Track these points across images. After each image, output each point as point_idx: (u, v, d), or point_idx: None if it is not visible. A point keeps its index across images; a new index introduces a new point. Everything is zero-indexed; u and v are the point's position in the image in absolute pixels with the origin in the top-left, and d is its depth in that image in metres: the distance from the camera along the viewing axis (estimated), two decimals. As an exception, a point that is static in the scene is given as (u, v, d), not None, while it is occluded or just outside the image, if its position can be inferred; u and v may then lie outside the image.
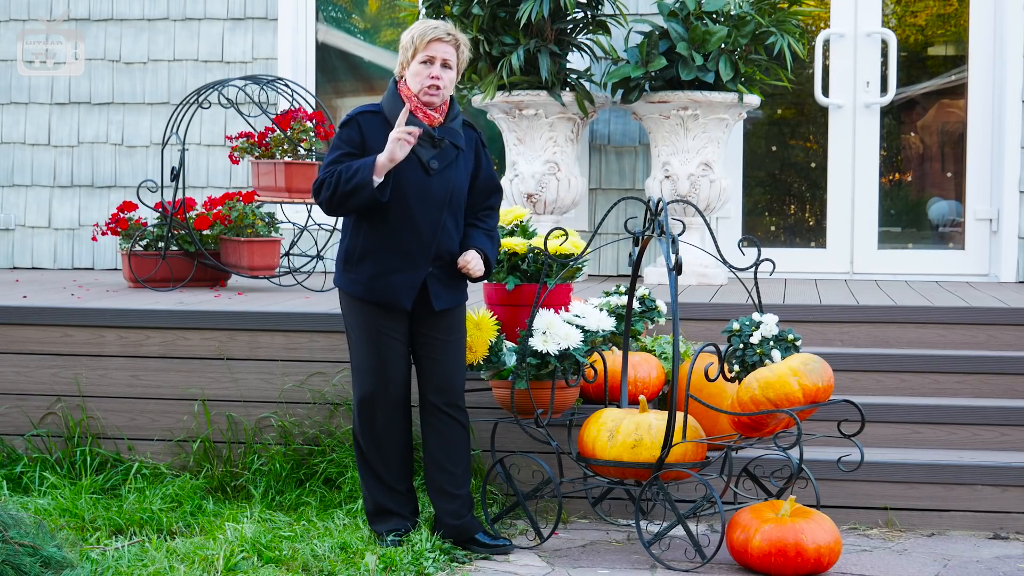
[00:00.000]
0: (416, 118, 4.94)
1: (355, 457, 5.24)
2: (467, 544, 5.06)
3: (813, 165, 8.87)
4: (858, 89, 8.57)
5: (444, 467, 5.07)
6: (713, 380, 5.04)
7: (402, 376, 5.07)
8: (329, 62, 9.19)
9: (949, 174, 8.84)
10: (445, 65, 4.96)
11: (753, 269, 5.23)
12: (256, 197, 7.43)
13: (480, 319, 5.23)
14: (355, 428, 5.13)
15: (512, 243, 5.44)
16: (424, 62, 4.94)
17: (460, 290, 5.10)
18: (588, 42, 7.88)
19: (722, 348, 5.12)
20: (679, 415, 4.95)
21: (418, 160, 4.93)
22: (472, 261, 5.00)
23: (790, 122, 8.99)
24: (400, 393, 5.08)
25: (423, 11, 7.90)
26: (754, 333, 5.09)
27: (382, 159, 4.84)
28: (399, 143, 4.82)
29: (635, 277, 5.36)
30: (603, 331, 5.36)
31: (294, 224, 7.88)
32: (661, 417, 5.02)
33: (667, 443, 4.88)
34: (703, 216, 5.41)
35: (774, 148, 8.98)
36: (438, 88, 4.94)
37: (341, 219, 5.25)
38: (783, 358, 5.02)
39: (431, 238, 4.96)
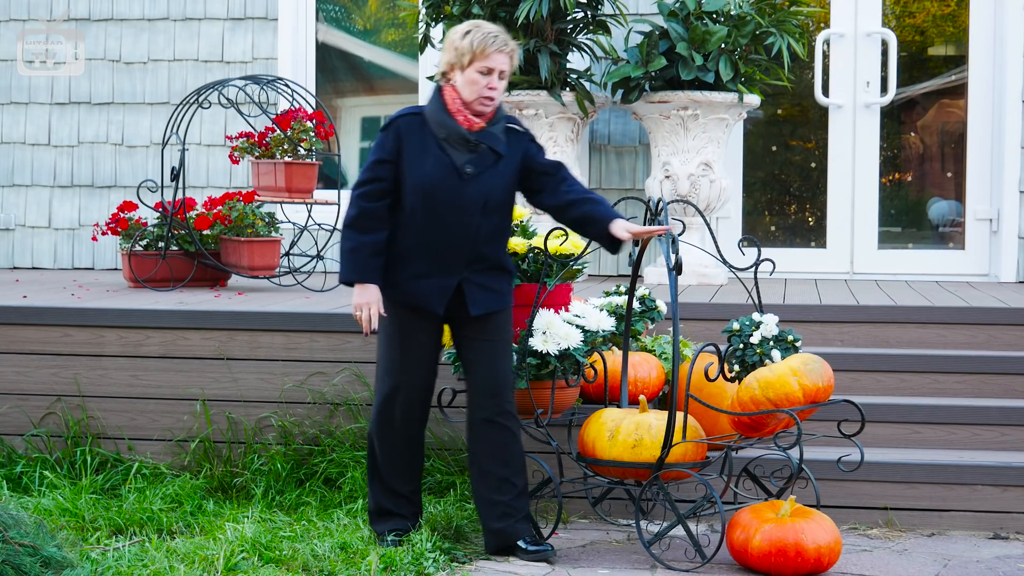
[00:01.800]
0: (454, 121, 4.88)
1: (366, 455, 5.22)
2: (512, 551, 5.00)
3: (813, 165, 8.87)
4: (858, 89, 8.57)
5: (489, 474, 5.01)
6: (713, 380, 5.04)
7: (425, 380, 5.03)
8: (329, 62, 9.19)
9: (949, 174, 8.85)
10: (501, 76, 4.92)
11: (753, 269, 5.23)
12: (256, 197, 7.43)
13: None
14: (371, 425, 5.10)
15: (512, 243, 5.43)
16: (482, 72, 4.88)
17: (501, 294, 5.01)
18: (588, 42, 7.88)
19: (722, 348, 5.12)
20: (679, 415, 4.95)
21: (452, 164, 4.88)
22: (637, 230, 4.90)
23: (790, 122, 8.99)
24: (421, 397, 5.04)
25: (423, 11, 7.90)
26: (754, 333, 5.09)
27: (355, 296, 4.90)
28: (358, 319, 4.90)
29: (635, 277, 5.36)
30: (603, 331, 5.36)
31: (294, 224, 7.88)
32: (661, 417, 5.02)
33: (667, 443, 4.88)
34: (703, 216, 5.41)
35: (774, 148, 8.98)
36: (493, 99, 4.89)
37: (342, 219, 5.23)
38: (783, 358, 5.02)
39: (464, 243, 4.91)
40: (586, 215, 4.98)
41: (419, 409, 5.06)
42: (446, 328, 5.15)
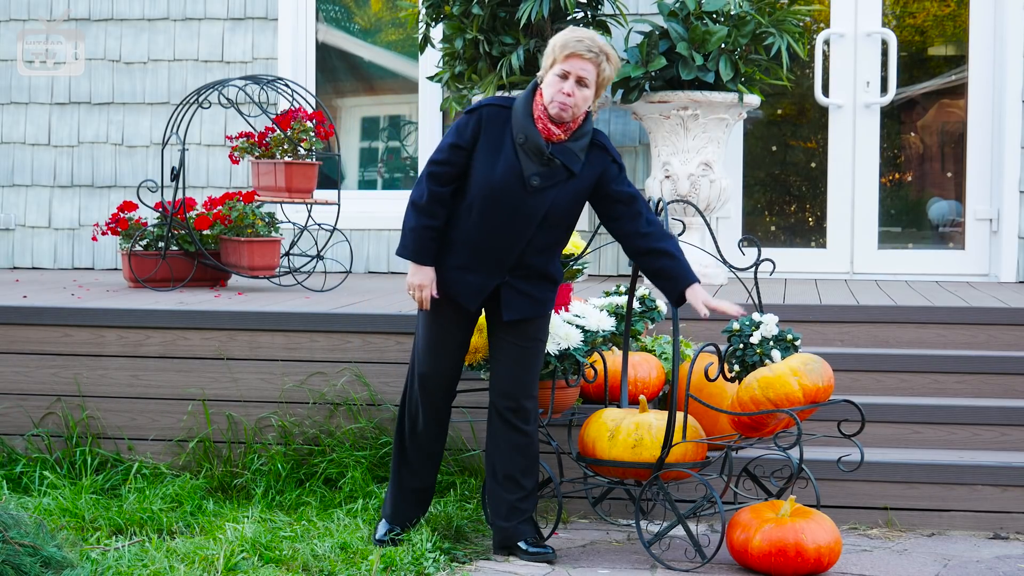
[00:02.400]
0: (535, 128, 4.79)
1: (392, 449, 5.19)
2: (513, 551, 5.00)
3: (813, 165, 8.87)
4: (858, 89, 8.57)
5: (499, 471, 5.02)
6: (713, 380, 5.04)
7: (446, 368, 5.00)
8: (329, 62, 9.19)
9: (949, 174, 8.85)
10: (580, 82, 4.77)
11: (753, 269, 5.23)
12: (256, 197, 7.43)
13: (480, 320, 5.22)
14: (398, 417, 5.11)
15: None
16: (560, 75, 4.78)
17: (540, 301, 4.95)
18: (588, 42, 7.87)
19: (722, 348, 5.12)
20: (679, 415, 4.95)
21: (520, 173, 4.80)
22: (716, 307, 4.90)
23: (790, 122, 8.99)
24: (439, 384, 5.00)
25: (423, 11, 7.91)
26: (754, 333, 5.09)
27: (410, 275, 4.88)
28: (413, 297, 4.89)
29: (635, 277, 5.36)
30: (603, 331, 5.36)
31: (294, 224, 7.88)
32: (661, 417, 5.02)
33: (667, 443, 4.88)
34: (703, 216, 5.41)
35: (774, 148, 8.98)
36: (567, 106, 4.76)
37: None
38: (783, 358, 5.02)
39: (511, 251, 4.86)
40: (665, 270, 4.90)
41: (439, 398, 5.03)
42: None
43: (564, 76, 4.77)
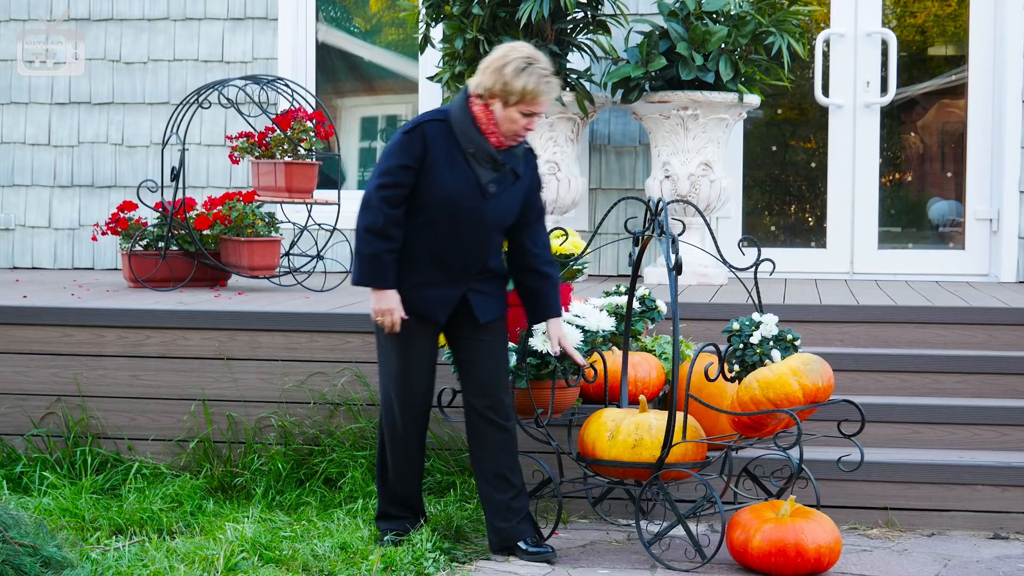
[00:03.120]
0: (484, 139, 4.85)
1: (375, 456, 5.22)
2: (512, 551, 5.01)
3: (813, 165, 8.87)
4: (858, 89, 8.57)
5: (488, 472, 5.03)
6: (713, 380, 5.04)
7: (425, 385, 5.03)
8: (329, 62, 9.19)
9: (949, 174, 8.85)
10: (540, 114, 4.91)
11: (753, 269, 5.23)
12: (256, 197, 7.43)
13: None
14: (380, 429, 5.12)
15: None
16: (525, 114, 4.83)
17: (502, 299, 5.05)
18: (588, 42, 7.88)
19: (722, 348, 5.12)
20: (679, 415, 4.95)
21: (476, 182, 4.86)
22: (567, 348, 5.09)
23: (790, 122, 8.99)
24: (421, 401, 5.04)
25: (423, 11, 7.90)
26: (754, 333, 5.09)
27: (376, 302, 4.87)
28: (382, 324, 4.90)
29: (635, 277, 5.36)
30: (603, 331, 5.36)
31: (294, 224, 7.88)
32: (661, 417, 5.02)
33: (667, 443, 4.88)
34: (703, 216, 5.41)
35: (774, 148, 8.98)
36: (523, 139, 4.91)
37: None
38: (783, 358, 5.02)
39: (476, 258, 4.92)
40: (541, 293, 5.05)
41: (421, 415, 5.06)
42: None
43: (531, 115, 4.86)
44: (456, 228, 4.87)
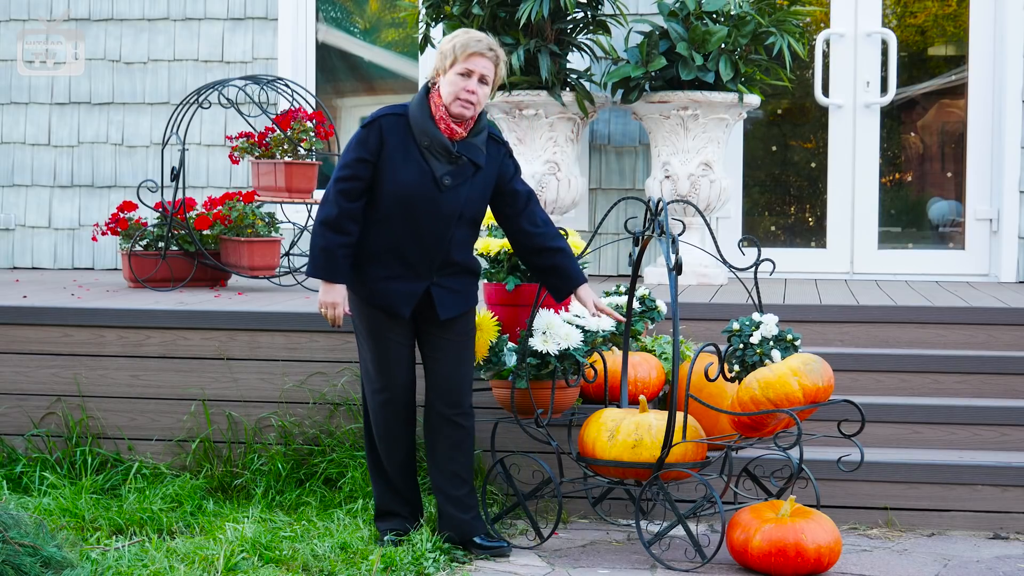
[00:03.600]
0: (437, 129, 4.89)
1: (364, 456, 5.25)
2: (467, 545, 5.07)
3: (813, 165, 8.87)
4: (858, 89, 8.57)
5: (444, 468, 5.08)
6: (713, 380, 5.04)
7: (407, 379, 5.06)
8: (329, 62, 9.19)
9: (949, 174, 8.85)
10: (482, 80, 4.90)
11: (753, 269, 5.23)
12: (256, 197, 7.43)
13: (481, 319, 5.23)
14: (364, 428, 5.16)
15: (509, 243, 5.43)
16: (462, 74, 4.87)
17: (468, 295, 5.06)
18: (588, 42, 7.88)
19: (722, 348, 5.12)
20: (679, 415, 4.95)
21: (431, 174, 4.89)
22: (603, 307, 5.15)
23: (790, 122, 8.99)
24: (405, 396, 5.07)
25: (423, 11, 7.91)
26: (754, 333, 5.09)
27: (322, 294, 4.94)
28: (325, 316, 4.96)
29: (635, 277, 5.36)
30: (603, 331, 5.36)
31: (294, 224, 7.88)
32: (661, 417, 5.02)
33: (667, 443, 4.88)
34: (703, 216, 5.41)
35: (774, 148, 8.98)
36: (471, 103, 4.89)
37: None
38: (783, 358, 5.02)
39: (436, 250, 4.93)
40: (558, 268, 5.06)
41: (403, 410, 5.09)
42: None
43: (467, 74, 4.89)
44: (413, 221, 4.90)
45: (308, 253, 5.00)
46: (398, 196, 4.89)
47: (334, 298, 4.94)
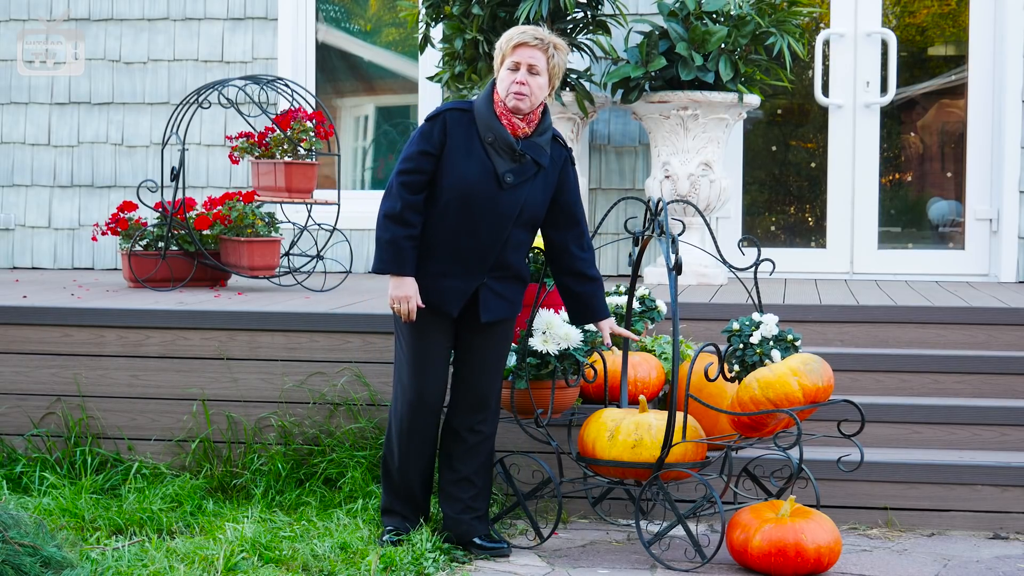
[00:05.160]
0: (501, 126, 4.86)
1: (381, 457, 5.23)
2: (467, 546, 5.07)
3: (813, 165, 8.87)
4: (858, 89, 8.57)
5: (456, 471, 5.06)
6: (713, 380, 5.04)
7: (440, 383, 5.02)
8: (329, 62, 9.19)
9: (949, 174, 8.85)
10: (532, 71, 4.86)
11: (753, 269, 5.23)
12: (256, 197, 7.43)
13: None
14: (391, 428, 5.10)
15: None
16: (511, 68, 4.86)
17: (512, 303, 5.01)
18: (588, 42, 7.88)
19: (722, 348, 5.12)
20: (679, 415, 4.95)
21: (493, 171, 4.86)
22: (623, 334, 5.19)
23: (790, 122, 8.99)
24: (435, 400, 5.03)
25: (423, 11, 7.91)
26: (754, 333, 5.10)
27: (393, 288, 4.87)
28: (398, 312, 4.89)
29: (635, 277, 5.36)
30: (603, 331, 5.36)
31: (294, 224, 7.88)
32: (661, 417, 5.02)
33: (667, 443, 4.88)
34: (703, 216, 5.41)
35: (774, 148, 8.98)
36: (523, 95, 4.84)
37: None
38: (783, 358, 5.02)
39: (491, 250, 4.90)
40: (587, 296, 5.09)
41: (432, 409, 5.04)
42: None
43: (515, 67, 4.87)
44: (471, 217, 4.86)
45: (375, 249, 4.91)
46: (458, 191, 4.85)
47: (406, 291, 4.87)
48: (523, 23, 7.49)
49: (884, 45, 8.54)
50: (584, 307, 5.09)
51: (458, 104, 4.95)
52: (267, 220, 7.43)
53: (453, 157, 4.85)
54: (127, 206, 7.49)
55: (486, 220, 4.86)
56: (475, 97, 5.02)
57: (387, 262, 4.86)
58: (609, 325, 5.13)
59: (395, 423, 5.07)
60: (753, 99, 7.78)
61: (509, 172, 4.86)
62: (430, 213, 4.89)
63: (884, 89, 8.55)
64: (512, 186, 4.87)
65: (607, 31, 7.88)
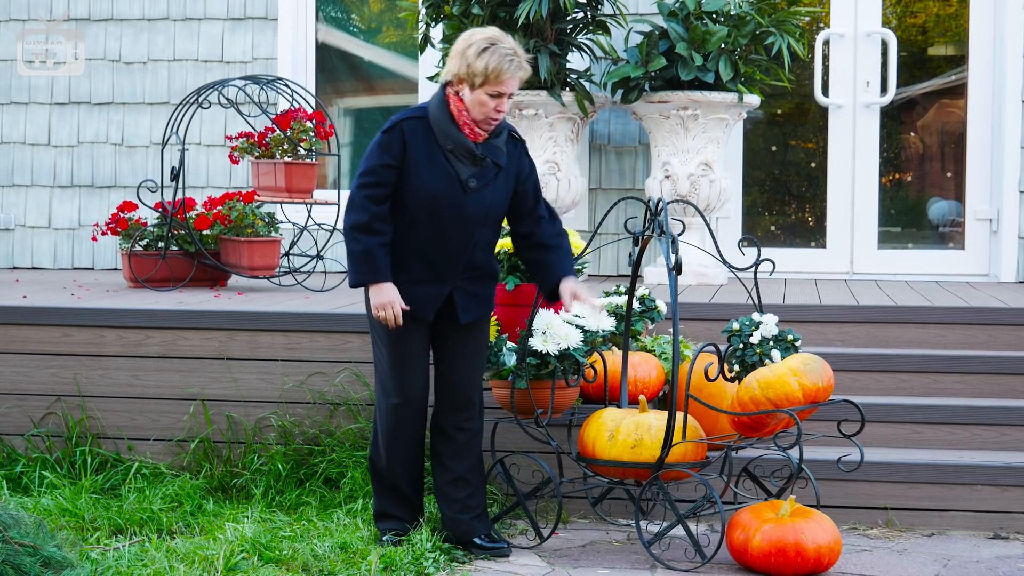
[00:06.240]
0: (461, 133, 4.86)
1: (368, 456, 5.24)
2: (467, 546, 5.07)
3: (813, 165, 8.87)
4: (858, 89, 8.57)
5: (449, 470, 5.07)
6: (713, 380, 5.04)
7: (422, 384, 5.04)
8: (329, 62, 9.19)
9: (949, 174, 8.85)
10: (510, 96, 4.87)
11: (753, 269, 5.23)
12: (256, 197, 7.43)
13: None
14: (376, 433, 5.11)
15: (509, 243, 5.43)
16: (492, 95, 4.82)
17: (488, 300, 5.05)
18: (588, 42, 7.88)
19: (722, 348, 5.12)
20: (679, 415, 4.95)
21: (456, 177, 4.87)
22: (583, 296, 5.01)
23: (790, 122, 8.99)
24: (418, 401, 5.04)
25: (423, 11, 7.91)
26: (754, 333, 5.10)
27: (374, 297, 4.84)
28: (385, 319, 4.86)
29: (635, 277, 5.36)
30: (603, 331, 5.36)
31: (294, 224, 7.88)
32: (661, 417, 5.02)
33: (667, 443, 4.88)
34: (703, 216, 5.41)
35: (774, 148, 8.98)
36: (498, 120, 4.87)
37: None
38: (783, 358, 5.02)
39: (461, 254, 4.92)
40: (543, 259, 5.04)
41: (416, 411, 5.07)
42: None
43: (499, 96, 4.83)
44: (439, 225, 4.88)
45: (348, 263, 4.92)
46: (425, 200, 4.86)
47: (388, 297, 4.86)
48: (523, 23, 7.49)
49: (884, 45, 8.54)
50: (547, 268, 5.05)
51: (412, 112, 4.93)
52: (267, 220, 7.43)
53: (415, 167, 4.86)
54: (127, 206, 7.49)
55: (454, 226, 4.89)
56: (426, 102, 4.99)
57: (364, 272, 4.87)
58: (570, 287, 5.02)
59: (381, 427, 5.08)
60: (753, 99, 7.78)
61: (472, 177, 4.88)
62: (398, 223, 4.89)
63: (884, 89, 8.55)
64: (476, 190, 4.89)
65: (607, 31, 7.88)
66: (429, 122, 4.89)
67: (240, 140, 7.52)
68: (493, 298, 5.09)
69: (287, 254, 7.76)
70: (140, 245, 7.38)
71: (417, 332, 4.99)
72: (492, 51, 4.82)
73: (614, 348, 5.58)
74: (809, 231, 8.85)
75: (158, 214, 7.40)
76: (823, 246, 8.68)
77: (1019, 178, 8.30)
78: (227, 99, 7.65)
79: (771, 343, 5.08)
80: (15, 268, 9.17)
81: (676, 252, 4.92)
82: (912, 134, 8.93)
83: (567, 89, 7.78)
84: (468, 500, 5.07)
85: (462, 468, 5.07)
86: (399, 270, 4.92)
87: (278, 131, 7.37)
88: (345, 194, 8.24)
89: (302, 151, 7.42)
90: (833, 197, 8.63)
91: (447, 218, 4.87)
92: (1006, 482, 5.47)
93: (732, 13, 7.57)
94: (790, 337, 5.11)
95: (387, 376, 5.01)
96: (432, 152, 4.86)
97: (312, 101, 7.98)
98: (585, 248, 5.52)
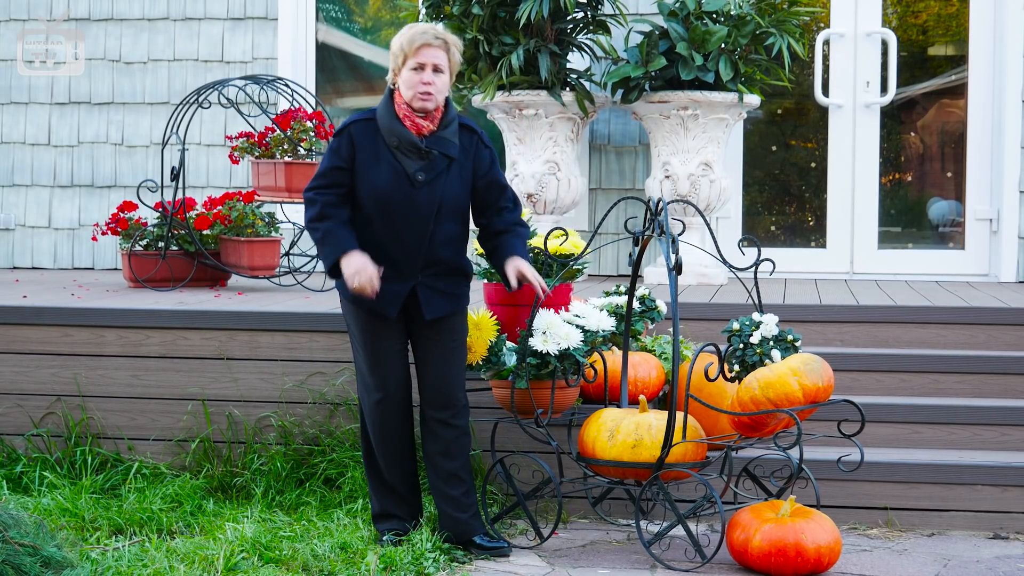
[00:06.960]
0: (404, 128, 4.91)
1: (361, 456, 5.26)
2: (467, 545, 5.07)
3: (813, 165, 8.87)
4: (858, 89, 8.57)
5: (440, 468, 5.08)
6: (713, 380, 5.04)
7: (401, 379, 5.07)
8: (329, 62, 9.19)
9: (949, 174, 8.85)
10: (436, 70, 4.91)
11: (753, 269, 5.23)
12: (256, 197, 7.43)
13: (480, 319, 5.23)
14: (361, 429, 5.17)
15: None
16: (415, 69, 4.90)
17: (456, 297, 5.06)
18: (588, 42, 7.88)
19: (722, 348, 5.12)
20: (679, 415, 4.95)
21: (404, 172, 4.92)
22: (526, 273, 4.97)
23: (790, 122, 8.99)
24: (400, 396, 5.08)
25: (423, 11, 7.91)
26: (754, 333, 5.09)
27: (345, 269, 4.84)
28: (360, 287, 4.84)
29: (635, 277, 5.36)
30: (603, 331, 5.36)
31: (294, 224, 7.88)
32: (661, 417, 5.02)
33: (667, 443, 4.88)
34: (703, 216, 5.41)
35: (774, 148, 8.98)
36: (430, 94, 4.90)
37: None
38: (783, 358, 5.02)
39: (418, 249, 4.95)
40: (499, 244, 5.05)
41: (399, 408, 5.09)
42: None
43: (420, 68, 4.90)
44: (392, 220, 4.92)
45: (317, 256, 4.99)
46: (375, 198, 4.92)
47: (358, 264, 4.85)
48: (523, 23, 7.49)
49: (884, 45, 8.54)
50: (500, 251, 5.05)
51: (361, 115, 5.01)
52: (267, 220, 7.43)
53: (364, 168, 4.93)
54: (127, 206, 7.49)
55: (407, 220, 4.92)
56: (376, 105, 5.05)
57: (330, 251, 4.90)
58: (514, 264, 4.99)
59: (369, 426, 5.12)
60: (753, 99, 7.78)
61: (420, 171, 4.92)
62: (357, 223, 4.95)
63: (884, 89, 8.55)
64: (425, 183, 4.92)
65: (607, 31, 7.88)
66: (376, 123, 4.97)
67: (240, 140, 7.52)
68: (465, 296, 5.10)
69: (287, 254, 7.76)
70: (140, 245, 7.38)
71: (388, 328, 5.02)
72: (407, 31, 4.96)
73: (614, 348, 5.58)
74: (809, 231, 8.85)
75: (158, 214, 7.40)
76: (823, 246, 8.68)
77: (1019, 178, 8.30)
78: (227, 99, 7.65)
79: (771, 343, 5.08)
80: (15, 268, 9.17)
81: (676, 252, 4.92)
82: (912, 134, 8.93)
83: (567, 89, 7.79)
84: (464, 497, 5.08)
85: (455, 465, 5.07)
86: None
87: (278, 131, 7.37)
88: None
89: (302, 151, 7.42)
90: (833, 197, 8.63)
91: (399, 214, 4.92)
92: (1006, 482, 5.47)
93: (732, 13, 7.57)
94: (790, 337, 5.11)
95: (366, 373, 5.06)
96: (379, 151, 4.93)
97: (312, 101, 7.98)
98: (585, 248, 5.52)
